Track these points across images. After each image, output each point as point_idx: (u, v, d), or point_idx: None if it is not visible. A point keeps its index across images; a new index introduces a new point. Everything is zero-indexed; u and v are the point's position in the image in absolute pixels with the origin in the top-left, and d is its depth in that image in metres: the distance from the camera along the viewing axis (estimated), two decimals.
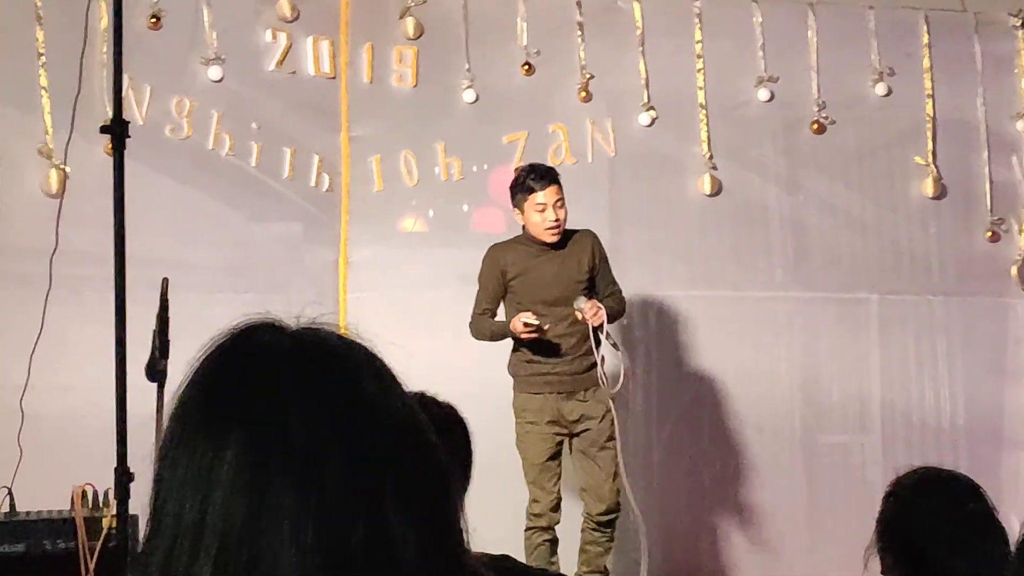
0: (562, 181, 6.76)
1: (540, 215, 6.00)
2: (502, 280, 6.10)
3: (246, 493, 1.21)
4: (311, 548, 1.19)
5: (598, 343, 5.98)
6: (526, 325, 5.85)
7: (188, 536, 1.22)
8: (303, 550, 1.19)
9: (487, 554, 3.03)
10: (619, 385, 6.09)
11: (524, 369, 6.09)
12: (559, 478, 6.05)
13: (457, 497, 1.31)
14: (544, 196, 5.98)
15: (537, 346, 6.00)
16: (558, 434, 6.06)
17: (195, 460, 1.24)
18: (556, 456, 6.06)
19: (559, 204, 6.02)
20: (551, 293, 6.04)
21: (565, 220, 6.05)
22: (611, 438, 6.09)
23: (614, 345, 6.07)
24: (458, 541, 1.28)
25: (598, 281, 6.15)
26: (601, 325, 5.95)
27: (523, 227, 6.14)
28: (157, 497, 1.27)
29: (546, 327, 5.90)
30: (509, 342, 6.13)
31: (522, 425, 6.06)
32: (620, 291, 6.27)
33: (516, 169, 6.39)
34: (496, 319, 6.15)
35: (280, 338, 1.31)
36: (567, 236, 6.09)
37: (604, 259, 6.21)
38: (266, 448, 1.22)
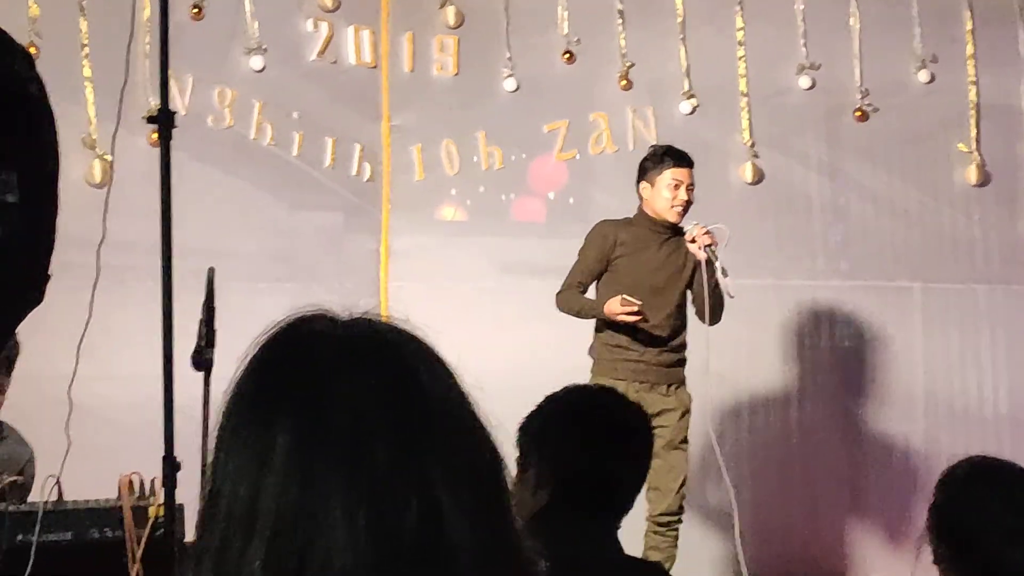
0: (602, 170, 6.81)
1: (671, 192, 5.97)
2: (608, 255, 6.01)
3: (298, 478, 1.23)
4: (363, 530, 1.21)
5: (711, 271, 5.87)
6: (625, 303, 5.76)
7: (242, 521, 1.24)
8: (355, 532, 1.20)
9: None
10: (734, 295, 5.97)
11: (609, 353, 6.01)
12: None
13: (510, 485, 1.32)
14: (681, 175, 5.99)
15: (629, 331, 5.93)
16: None
17: (248, 446, 1.26)
18: None
19: (691, 188, 6.01)
20: (656, 279, 5.97)
21: (689, 207, 6.03)
22: (685, 440, 6.05)
23: (723, 271, 5.88)
24: (512, 527, 1.30)
25: (695, 281, 6.04)
26: (712, 245, 5.86)
27: (639, 208, 6.09)
28: (212, 483, 1.29)
29: (643, 313, 5.82)
30: (586, 325, 6.09)
31: None
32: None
33: (651, 146, 6.39)
34: (585, 298, 6.05)
35: (332, 327, 1.34)
36: (679, 231, 6.04)
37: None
38: (317, 434, 1.24)
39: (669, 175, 5.99)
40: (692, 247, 5.93)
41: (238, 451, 1.27)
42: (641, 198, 6.12)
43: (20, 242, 1.38)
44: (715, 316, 6.04)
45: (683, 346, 6.10)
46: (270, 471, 1.24)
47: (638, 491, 3.29)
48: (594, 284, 6.12)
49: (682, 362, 6.09)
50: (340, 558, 1.20)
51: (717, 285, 5.94)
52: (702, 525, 6.98)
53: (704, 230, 5.90)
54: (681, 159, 6.05)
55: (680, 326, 6.07)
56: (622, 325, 5.91)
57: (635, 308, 5.79)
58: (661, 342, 5.99)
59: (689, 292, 6.09)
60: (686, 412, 6.06)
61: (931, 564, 3.06)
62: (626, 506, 3.21)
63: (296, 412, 1.26)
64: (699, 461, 6.62)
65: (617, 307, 5.79)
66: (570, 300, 6.02)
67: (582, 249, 6.09)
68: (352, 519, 1.21)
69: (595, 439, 3.14)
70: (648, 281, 5.96)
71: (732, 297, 6.00)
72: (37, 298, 1.49)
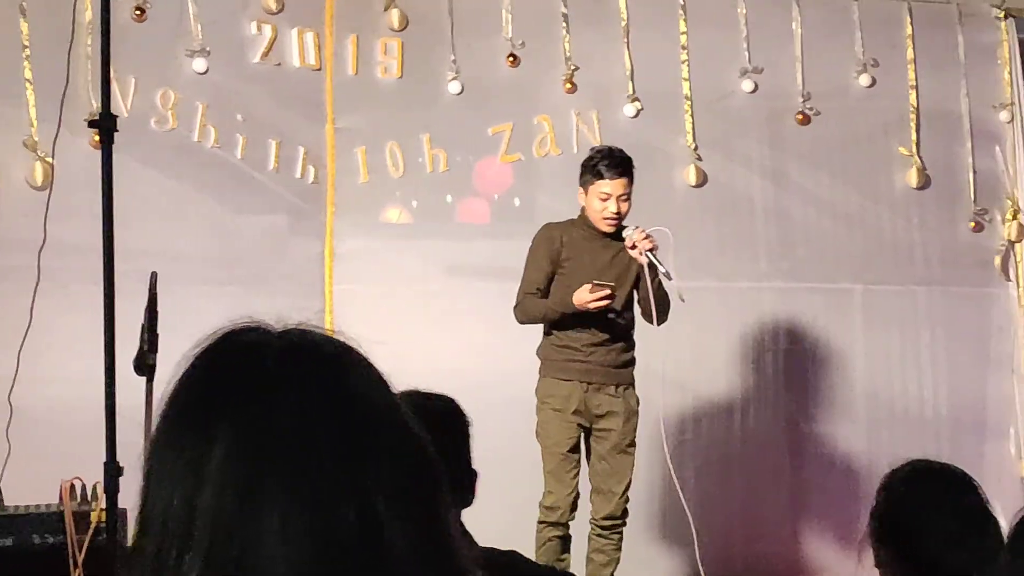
0: (546, 173, 6.82)
1: (602, 203, 5.88)
2: (556, 257, 5.95)
3: (234, 487, 1.22)
4: (299, 540, 1.20)
5: (654, 275, 5.82)
6: (595, 288, 5.68)
7: (178, 531, 1.23)
8: (292, 542, 1.20)
9: (493, 549, 3.04)
10: (685, 299, 5.95)
11: (556, 354, 5.95)
12: (578, 473, 5.90)
13: (446, 492, 1.32)
14: (611, 187, 5.87)
15: (579, 330, 5.88)
16: (580, 425, 5.90)
17: (184, 456, 1.26)
18: (577, 448, 5.90)
19: (624, 198, 5.90)
20: (604, 279, 5.85)
21: (626, 214, 5.94)
22: (632, 444, 5.99)
23: (666, 274, 5.85)
24: (449, 534, 1.30)
25: (640, 284, 5.97)
26: (653, 250, 5.80)
27: (582, 209, 6.04)
28: (147, 493, 1.28)
29: (613, 294, 5.75)
30: (531, 327, 6.05)
31: (545, 412, 5.91)
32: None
33: (592, 148, 6.28)
34: (544, 301, 5.94)
35: (267, 338, 1.33)
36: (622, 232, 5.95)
37: None
38: (254, 443, 1.24)
39: (598, 188, 5.90)
40: (633, 252, 5.88)
41: (173, 461, 1.26)
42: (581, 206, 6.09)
43: None
44: (661, 317, 6.01)
45: (631, 347, 6.06)
46: (206, 481, 1.23)
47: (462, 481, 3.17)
48: None
49: (630, 363, 6.05)
50: (277, 568, 1.20)
51: (661, 286, 5.93)
52: (652, 528, 7.00)
53: (644, 234, 5.85)
54: (611, 172, 5.91)
55: (627, 326, 6.02)
56: (571, 327, 5.88)
57: (607, 292, 5.72)
58: (608, 343, 5.95)
59: (635, 292, 6.05)
60: (633, 415, 6.01)
61: (873, 567, 3.09)
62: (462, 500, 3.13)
63: (232, 422, 1.26)
64: (648, 464, 6.64)
65: (587, 295, 5.70)
66: (531, 308, 5.93)
67: (531, 254, 6.03)
68: (289, 528, 1.21)
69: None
70: (592, 280, 5.87)
71: (684, 301, 6.01)
72: None
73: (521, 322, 6.00)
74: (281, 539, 1.20)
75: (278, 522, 1.21)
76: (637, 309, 6.11)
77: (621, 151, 6.10)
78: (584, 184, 5.97)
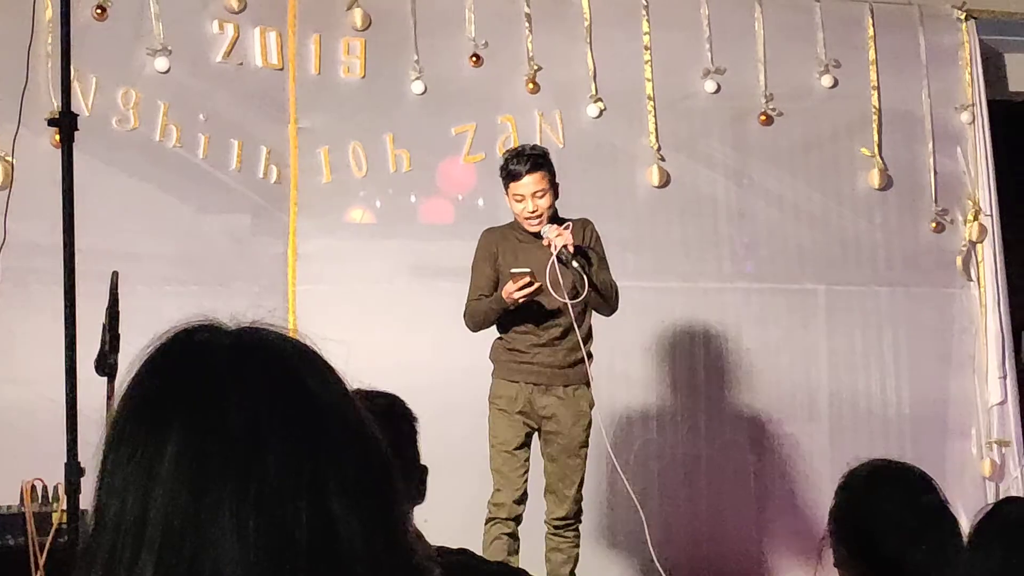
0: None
1: (520, 204, 5.84)
2: (495, 264, 5.91)
3: (187, 487, 1.22)
4: (253, 539, 1.20)
5: (573, 268, 5.75)
6: (515, 279, 5.62)
7: (131, 532, 1.22)
8: (245, 541, 1.20)
9: (445, 548, 3.03)
10: (584, 295, 5.80)
11: (505, 355, 5.91)
12: (526, 471, 5.84)
13: (401, 490, 1.32)
14: (522, 187, 5.81)
15: (523, 325, 5.85)
16: (527, 424, 5.85)
17: (136, 456, 1.25)
18: (524, 446, 5.85)
19: (539, 194, 5.81)
20: (541, 279, 5.75)
21: (550, 207, 5.86)
22: (584, 444, 5.92)
23: (580, 268, 5.75)
24: (403, 532, 1.30)
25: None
26: (567, 246, 5.72)
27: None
28: (99, 494, 1.28)
29: (533, 280, 5.64)
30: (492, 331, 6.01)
31: (494, 412, 5.87)
32: (614, 282, 5.99)
33: (504, 151, 6.25)
34: (484, 301, 5.90)
35: (219, 337, 1.33)
36: (561, 223, 5.87)
37: (595, 251, 5.96)
38: (206, 443, 1.24)
39: (512, 190, 5.87)
40: (552, 250, 5.76)
41: (125, 461, 1.26)
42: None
43: None
44: (607, 307, 5.97)
45: (578, 346, 5.92)
46: (158, 481, 1.23)
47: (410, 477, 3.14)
48: None
49: (580, 362, 5.93)
50: (231, 568, 1.19)
51: (587, 275, 5.83)
52: (613, 525, 7.02)
53: (557, 231, 5.77)
54: (520, 170, 5.84)
55: (571, 325, 5.89)
56: (517, 329, 5.85)
57: (526, 280, 5.64)
58: (554, 343, 5.89)
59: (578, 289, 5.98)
60: (583, 416, 5.93)
61: (833, 566, 3.10)
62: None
63: (184, 421, 1.25)
64: (607, 463, 6.65)
65: (511, 288, 5.66)
66: (474, 311, 5.91)
67: (473, 262, 6.01)
68: (243, 528, 1.20)
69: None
70: (513, 270, 5.81)
71: (579, 298, 5.85)
72: None
73: (471, 328, 5.98)
74: (235, 539, 1.20)
75: (231, 522, 1.20)
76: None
77: (533, 147, 6.14)
78: (504, 188, 5.94)
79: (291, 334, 1.35)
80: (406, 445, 3.15)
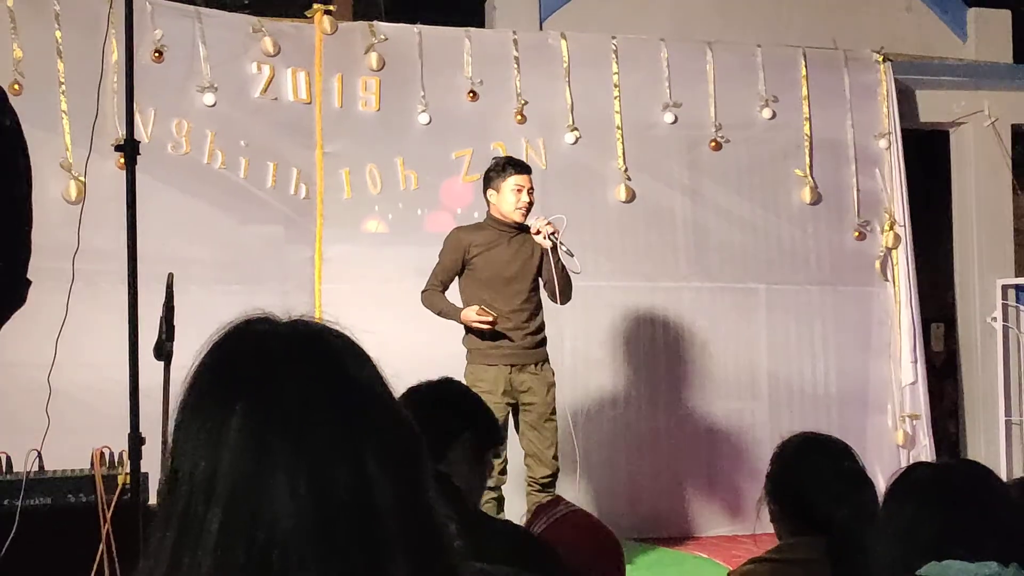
0: None
1: (516, 195, 5.86)
2: (462, 258, 5.89)
3: (249, 453, 1.23)
4: (304, 496, 1.21)
5: (556, 256, 5.81)
6: (481, 312, 5.68)
7: (202, 489, 1.24)
8: (297, 498, 1.21)
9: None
10: (580, 270, 5.94)
11: (480, 343, 5.86)
12: (505, 443, 5.76)
13: (427, 458, 1.34)
14: (523, 180, 5.89)
15: (480, 334, 5.83)
16: (508, 404, 5.84)
17: (205, 427, 1.26)
18: (504, 423, 5.80)
19: (531, 191, 5.93)
20: (509, 270, 5.86)
21: (531, 208, 5.95)
22: (554, 411, 5.92)
23: (568, 252, 5.83)
24: (429, 492, 1.31)
25: (544, 268, 5.93)
26: (555, 233, 5.80)
27: (488, 213, 6.02)
28: (174, 459, 1.28)
29: (495, 321, 5.72)
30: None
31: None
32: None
33: (494, 159, 6.25)
34: (447, 300, 5.94)
35: (275, 327, 1.34)
36: (524, 228, 5.93)
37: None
38: (264, 416, 1.25)
39: (513, 181, 5.88)
40: (538, 238, 5.85)
41: (198, 430, 1.27)
42: (488, 203, 6.03)
43: None
44: (565, 296, 5.95)
45: (541, 327, 5.96)
46: (225, 448, 1.24)
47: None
48: (456, 281, 6.02)
49: (543, 342, 5.96)
50: (285, 520, 1.21)
51: (564, 268, 5.88)
52: (591, 491, 7.04)
53: (546, 221, 5.85)
54: (521, 167, 5.98)
55: (535, 309, 5.93)
56: (478, 330, 5.82)
57: (490, 318, 5.71)
58: (523, 325, 5.88)
59: (540, 280, 5.97)
60: (551, 387, 5.93)
61: (769, 523, 3.12)
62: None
63: (246, 397, 1.26)
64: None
65: (472, 315, 5.72)
66: (433, 300, 5.94)
67: (441, 253, 6.00)
68: (295, 487, 1.22)
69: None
70: (501, 272, 5.86)
71: (578, 272, 5.98)
72: (19, 300, 1.47)
73: (424, 305, 5.99)
74: (289, 496, 1.21)
75: (285, 481, 1.22)
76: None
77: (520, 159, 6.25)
78: (495, 185, 5.94)
79: (334, 326, 1.37)
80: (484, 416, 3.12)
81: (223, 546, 1.21)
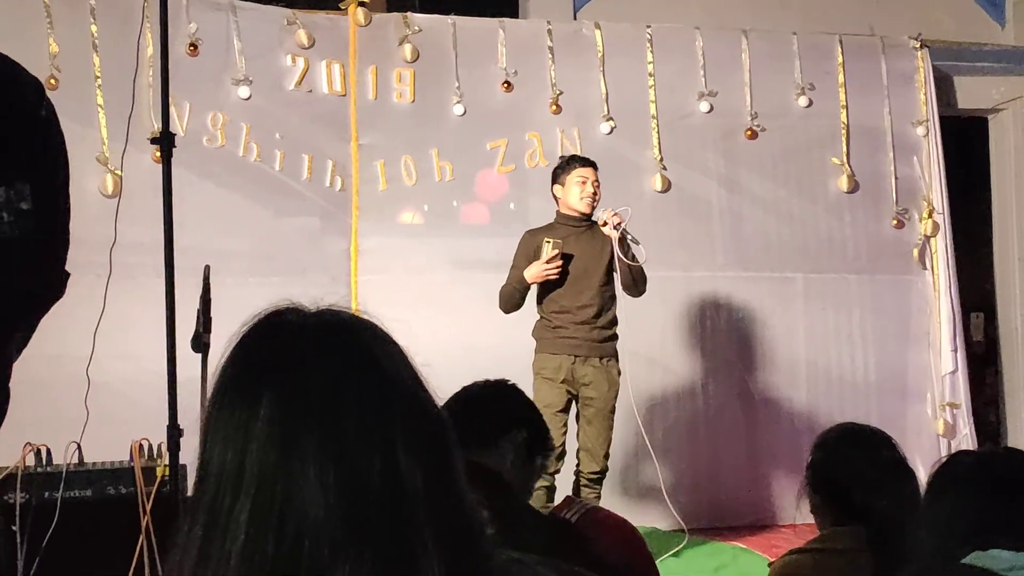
0: (536, 181, 6.84)
1: (580, 187, 5.97)
2: (533, 259, 5.94)
3: (277, 444, 1.23)
4: (333, 487, 1.21)
5: (624, 248, 5.88)
6: (548, 261, 5.76)
7: (230, 480, 1.23)
8: (327, 488, 1.20)
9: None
10: (643, 260, 5.99)
11: (548, 333, 5.94)
12: (565, 432, 5.83)
13: (456, 445, 1.32)
14: (587, 172, 6.00)
15: (563, 308, 5.89)
16: (569, 391, 5.89)
17: (234, 418, 1.26)
18: (566, 410, 5.87)
19: (597, 183, 6.02)
20: (578, 265, 5.92)
21: (598, 200, 6.01)
22: (613, 410, 5.96)
23: (633, 240, 5.93)
24: (458, 480, 1.30)
25: (614, 260, 5.98)
26: (620, 224, 5.87)
27: (556, 211, 6.09)
28: (204, 450, 1.28)
29: (560, 254, 5.80)
30: (523, 314, 6.04)
31: (539, 380, 5.85)
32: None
33: (560, 157, 6.42)
34: (510, 280, 5.98)
35: (303, 317, 1.34)
36: (593, 224, 6.01)
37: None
38: (292, 407, 1.24)
39: (576, 174, 6.00)
40: (605, 229, 5.92)
41: (226, 422, 1.27)
42: (556, 199, 6.11)
43: (35, 242, 1.37)
44: (637, 288, 6.01)
45: (613, 323, 6.02)
46: (253, 438, 1.24)
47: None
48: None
49: (613, 337, 6.01)
50: (314, 510, 1.20)
51: (635, 259, 5.93)
52: (633, 476, 7.03)
53: (612, 212, 5.92)
54: (585, 160, 6.09)
55: (606, 304, 5.99)
56: (558, 312, 5.88)
57: (555, 254, 5.78)
58: (591, 321, 5.93)
59: (614, 275, 6.02)
60: (614, 384, 5.97)
61: (809, 512, 3.10)
62: None
63: (275, 388, 1.26)
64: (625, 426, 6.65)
65: (536, 269, 5.81)
66: (503, 294, 5.99)
67: (514, 257, 6.05)
68: (324, 478, 1.21)
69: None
70: (573, 270, 5.92)
71: (640, 263, 5.99)
72: (58, 292, 1.47)
73: (502, 310, 6.02)
74: (318, 486, 1.21)
75: (315, 472, 1.21)
76: (619, 291, 6.08)
77: None
78: (560, 179, 6.06)
79: (362, 315, 1.36)
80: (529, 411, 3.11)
81: (252, 537, 1.21)
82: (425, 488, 1.24)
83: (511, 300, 5.98)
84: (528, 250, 5.99)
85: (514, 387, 3.16)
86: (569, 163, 6.08)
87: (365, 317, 1.35)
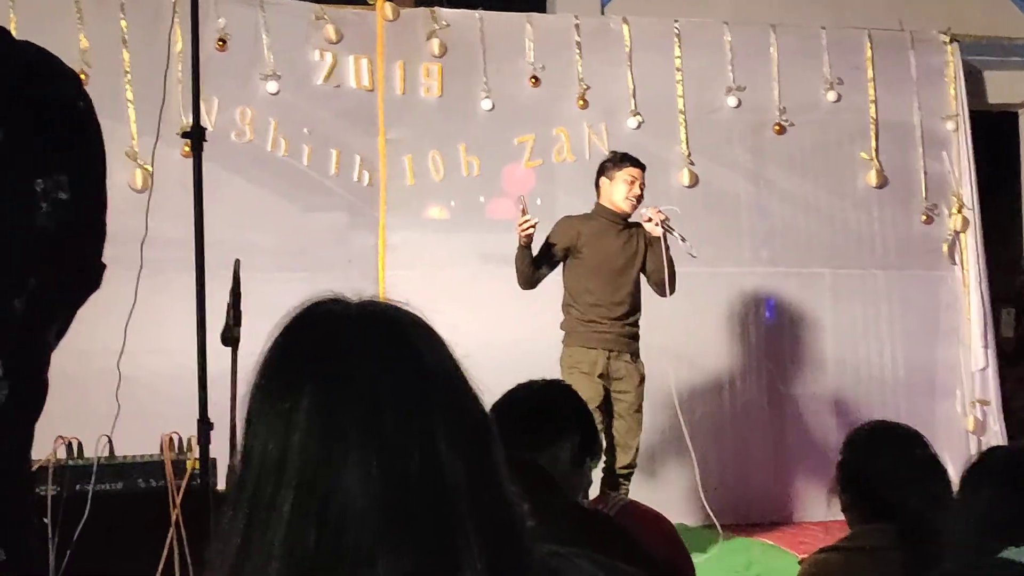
0: (563, 176, 6.83)
1: (628, 186, 5.98)
2: (571, 244, 5.95)
3: (319, 435, 1.23)
4: (375, 478, 1.21)
5: (666, 244, 5.91)
6: (522, 225, 5.78)
7: (272, 472, 1.24)
8: (368, 480, 1.21)
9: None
10: (696, 254, 6.04)
11: (582, 327, 5.94)
12: (603, 428, 5.76)
13: (497, 438, 1.32)
14: (636, 173, 6.01)
15: (597, 302, 5.90)
16: (604, 387, 5.89)
17: (276, 409, 1.26)
18: (601, 406, 5.80)
19: (642, 186, 6.03)
20: (617, 261, 5.94)
21: (640, 202, 6.03)
22: (641, 405, 6.00)
23: (681, 237, 5.95)
24: (500, 472, 1.30)
25: (649, 259, 6.02)
26: (666, 220, 5.91)
27: (597, 203, 6.08)
28: (246, 442, 1.29)
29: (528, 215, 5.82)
30: (548, 308, 6.05)
31: (575, 375, 5.76)
32: None
33: (611, 151, 6.42)
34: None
35: (345, 309, 1.34)
36: (631, 223, 6.06)
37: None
38: (334, 398, 1.24)
39: (627, 172, 6.00)
40: (648, 225, 5.94)
41: (267, 413, 1.27)
42: (599, 192, 6.11)
43: (73, 234, 1.38)
44: (670, 287, 6.02)
45: (638, 322, 6.06)
46: (295, 429, 1.24)
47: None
48: (561, 269, 6.06)
49: (637, 336, 6.05)
50: (356, 501, 1.20)
51: (671, 260, 5.94)
52: (663, 469, 7.03)
53: (656, 209, 5.95)
54: (637, 162, 6.09)
55: (636, 303, 6.02)
56: (592, 306, 5.88)
57: (525, 217, 5.80)
58: (624, 318, 5.95)
59: (642, 274, 6.05)
60: (643, 380, 6.01)
61: (840, 511, 3.09)
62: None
63: (317, 379, 1.26)
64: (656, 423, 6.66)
65: (517, 231, 5.84)
66: (517, 265, 5.95)
67: (548, 236, 6.04)
68: (366, 469, 1.21)
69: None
70: (609, 264, 5.94)
71: (695, 256, 6.06)
72: (95, 284, 1.48)
73: (520, 285, 6.01)
74: (359, 477, 1.21)
75: (356, 463, 1.21)
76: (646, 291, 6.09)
77: None
78: (609, 173, 6.06)
79: (404, 307, 1.36)
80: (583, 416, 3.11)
81: (294, 528, 1.21)
82: (467, 481, 1.24)
83: (520, 271, 5.95)
84: (568, 235, 6.00)
85: (568, 388, 3.16)
86: (622, 160, 6.07)
87: (408, 309, 1.35)
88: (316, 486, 1.21)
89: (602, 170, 6.13)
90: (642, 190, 6.04)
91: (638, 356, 6.05)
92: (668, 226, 5.93)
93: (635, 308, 6.02)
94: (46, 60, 1.54)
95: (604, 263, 5.94)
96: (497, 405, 2.69)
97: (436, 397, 1.27)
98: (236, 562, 1.24)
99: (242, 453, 1.29)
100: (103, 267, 1.53)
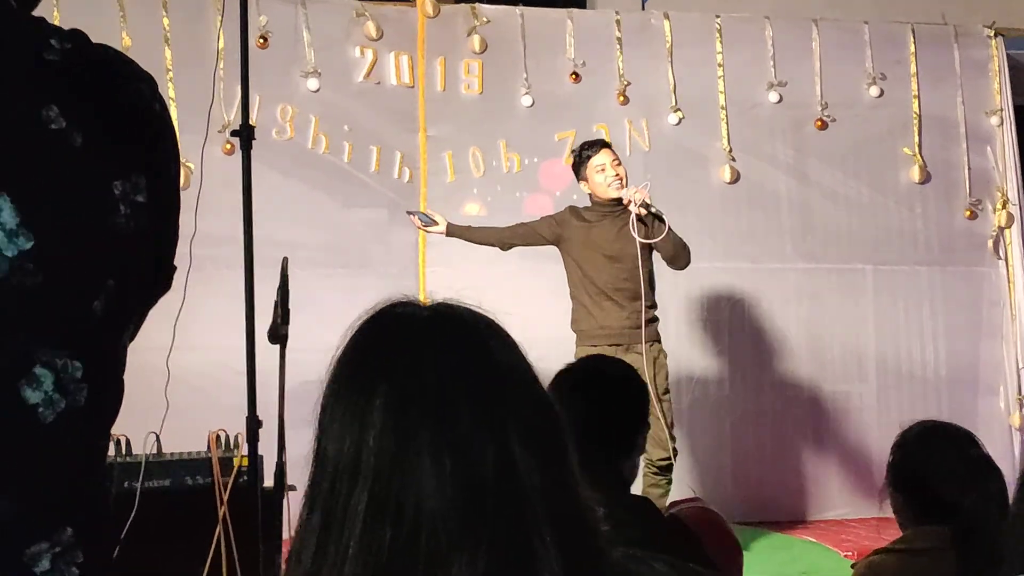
0: None
1: (601, 174, 5.82)
2: (558, 232, 5.93)
3: (393, 435, 1.24)
4: (449, 476, 1.22)
5: (657, 222, 5.75)
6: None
7: (347, 470, 1.25)
8: (442, 478, 1.22)
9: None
10: (664, 234, 5.73)
11: (586, 323, 5.86)
12: None
13: (570, 440, 1.33)
14: (601, 157, 5.84)
15: (598, 289, 5.82)
16: None
17: (350, 409, 1.27)
18: None
19: (616, 162, 5.85)
20: (612, 248, 5.80)
21: (626, 176, 5.87)
22: (667, 391, 5.88)
23: (655, 214, 5.74)
24: (573, 473, 1.30)
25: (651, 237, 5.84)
26: (644, 200, 5.71)
27: (590, 197, 5.97)
28: (320, 441, 1.30)
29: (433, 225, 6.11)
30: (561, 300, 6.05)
31: None
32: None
33: (571, 150, 6.28)
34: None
35: (418, 310, 1.35)
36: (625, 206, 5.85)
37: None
38: (409, 397, 1.26)
39: (593, 164, 5.85)
40: (631, 208, 5.73)
41: (342, 413, 1.28)
42: (588, 194, 6.00)
43: (150, 235, 1.40)
44: (677, 261, 5.88)
45: (652, 306, 5.89)
46: (369, 429, 1.25)
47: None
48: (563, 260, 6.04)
49: (654, 320, 5.89)
50: (430, 501, 1.21)
51: (671, 231, 5.75)
52: (698, 474, 7.01)
53: (635, 190, 5.75)
54: (594, 146, 5.93)
55: (637, 290, 5.79)
56: (594, 295, 5.80)
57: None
58: (627, 303, 5.80)
59: (657, 253, 5.88)
60: (662, 367, 5.86)
61: (892, 513, 3.08)
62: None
63: (391, 379, 1.27)
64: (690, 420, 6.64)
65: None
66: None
67: (547, 216, 6.08)
68: (440, 467, 1.22)
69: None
70: (605, 251, 5.81)
71: (661, 237, 5.75)
72: (167, 286, 1.51)
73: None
74: (434, 476, 1.22)
75: (429, 462, 1.22)
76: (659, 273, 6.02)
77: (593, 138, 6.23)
78: (582, 174, 5.91)
79: (477, 309, 1.37)
80: (640, 400, 3.11)
81: (369, 528, 1.22)
82: (541, 482, 1.25)
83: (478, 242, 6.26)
84: (560, 223, 5.97)
85: (639, 378, 3.17)
86: (580, 156, 5.92)
87: (480, 310, 1.37)
88: (391, 486, 1.23)
89: (576, 174, 5.99)
90: (617, 167, 5.84)
91: (655, 342, 5.88)
92: (646, 204, 5.73)
93: (638, 294, 5.79)
94: (123, 62, 1.56)
95: (598, 249, 5.80)
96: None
97: (509, 398, 1.28)
98: (313, 562, 1.25)
99: (316, 453, 1.31)
100: (175, 268, 1.55)
